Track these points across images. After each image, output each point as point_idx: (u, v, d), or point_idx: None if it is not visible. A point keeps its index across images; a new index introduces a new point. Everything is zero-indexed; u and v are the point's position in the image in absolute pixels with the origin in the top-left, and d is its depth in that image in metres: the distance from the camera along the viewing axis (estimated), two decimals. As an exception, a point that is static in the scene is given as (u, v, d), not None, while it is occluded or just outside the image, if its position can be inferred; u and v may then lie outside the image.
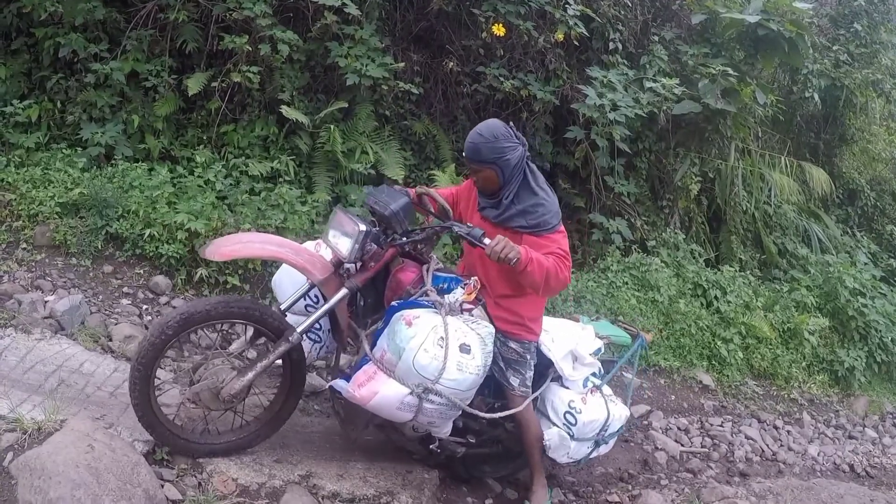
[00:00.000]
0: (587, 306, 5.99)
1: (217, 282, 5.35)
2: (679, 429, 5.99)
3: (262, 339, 3.54)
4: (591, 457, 4.22)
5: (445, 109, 6.93)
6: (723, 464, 5.75)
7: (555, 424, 3.96)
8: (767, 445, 6.26)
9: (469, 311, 3.47)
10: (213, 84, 6.02)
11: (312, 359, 4.03)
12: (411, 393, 3.15)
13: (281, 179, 5.93)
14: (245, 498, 3.37)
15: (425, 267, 3.57)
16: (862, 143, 11.26)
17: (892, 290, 9.10)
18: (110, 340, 4.59)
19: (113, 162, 5.78)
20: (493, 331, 3.43)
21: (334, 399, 3.82)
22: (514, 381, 3.68)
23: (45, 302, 4.77)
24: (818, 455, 6.42)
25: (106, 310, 4.97)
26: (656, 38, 7.37)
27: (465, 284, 3.42)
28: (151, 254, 5.30)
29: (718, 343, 6.90)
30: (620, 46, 7.06)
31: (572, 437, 3.97)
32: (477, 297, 3.50)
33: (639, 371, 5.82)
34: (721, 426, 6.24)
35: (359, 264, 3.54)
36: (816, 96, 9.08)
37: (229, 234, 5.09)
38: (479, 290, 3.51)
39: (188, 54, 6.26)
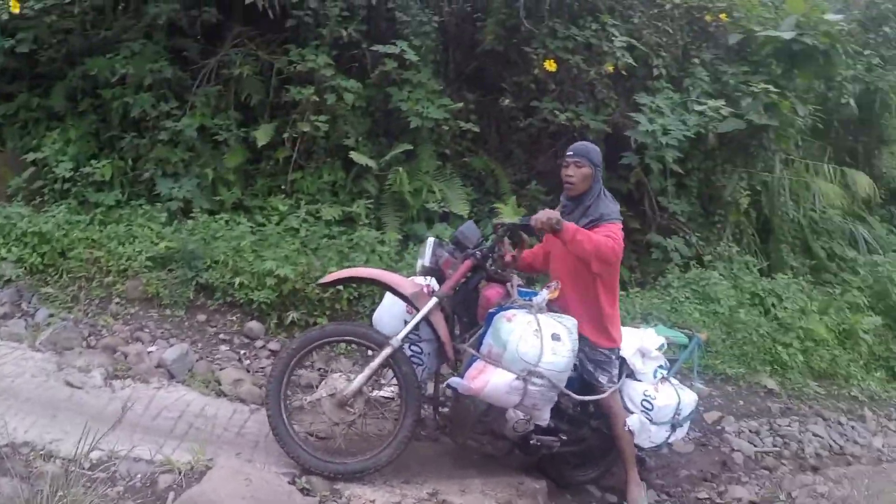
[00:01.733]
0: (654, 322, 6.23)
1: (307, 323, 5.60)
2: (750, 431, 6.20)
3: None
4: (670, 441, 4.63)
5: (500, 144, 7.24)
6: (795, 460, 5.95)
7: (634, 412, 4.40)
8: (834, 441, 6.44)
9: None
10: (284, 134, 6.33)
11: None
12: (517, 378, 3.64)
13: (360, 223, 6.18)
14: None
15: (509, 284, 4.08)
16: (900, 142, 11.39)
17: (942, 286, 9.20)
18: (220, 385, 4.87)
19: (192, 215, 6.05)
20: (576, 322, 3.90)
21: (438, 414, 4.29)
22: (603, 379, 4.18)
23: (149, 352, 5.05)
24: (883, 447, 6.58)
25: (208, 357, 5.24)
26: (697, 61, 7.61)
27: (548, 287, 3.90)
28: (242, 300, 5.56)
29: (779, 348, 7.07)
30: (664, 72, 7.34)
31: (651, 421, 4.39)
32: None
33: (707, 379, 6.14)
34: (789, 426, 6.43)
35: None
36: (852, 101, 9.22)
37: (317, 276, 5.47)
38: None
39: (252, 107, 6.57)
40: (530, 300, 3.88)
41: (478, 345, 3.89)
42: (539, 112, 6.89)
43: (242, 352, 5.43)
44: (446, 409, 4.26)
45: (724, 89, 7.66)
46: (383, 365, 3.89)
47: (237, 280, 5.52)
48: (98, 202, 6.03)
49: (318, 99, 6.29)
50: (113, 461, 3.28)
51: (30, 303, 5.34)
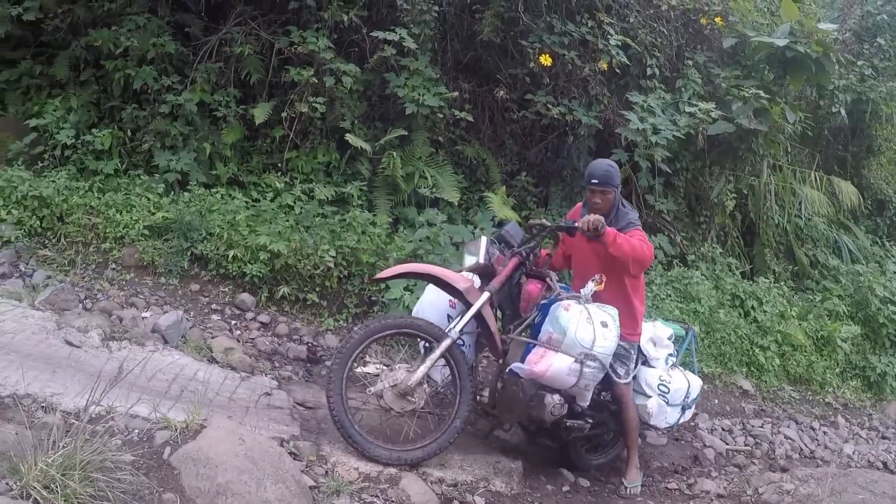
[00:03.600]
0: (652, 317, 6.34)
1: (297, 298, 5.79)
2: (723, 429, 6.39)
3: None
4: (681, 421, 5.09)
5: (494, 134, 7.33)
6: (765, 460, 6.13)
7: (653, 395, 4.85)
8: (805, 444, 6.62)
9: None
10: (282, 114, 6.41)
11: None
12: (575, 360, 4.05)
13: (353, 203, 6.31)
14: (369, 483, 3.87)
15: (548, 278, 4.51)
16: (889, 153, 11.40)
17: (922, 299, 9.33)
18: (212, 352, 5.01)
19: (188, 187, 6.16)
20: (618, 312, 4.31)
21: (478, 404, 4.60)
22: (621, 371, 4.59)
23: (143, 318, 5.17)
24: (853, 453, 6.75)
25: (200, 325, 5.38)
26: (690, 62, 7.73)
27: (594, 280, 4.25)
28: (235, 273, 5.70)
29: (756, 350, 7.23)
30: (657, 72, 7.45)
31: (668, 403, 4.88)
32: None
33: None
34: (762, 427, 6.60)
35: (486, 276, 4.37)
36: (843, 111, 9.34)
37: (309, 253, 5.69)
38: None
39: (251, 85, 6.66)
40: (577, 293, 4.27)
41: (533, 334, 4.29)
42: (533, 105, 6.99)
43: (233, 322, 5.56)
44: (482, 397, 4.58)
45: (715, 92, 7.80)
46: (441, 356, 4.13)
47: (231, 253, 5.65)
48: (97, 170, 6.12)
49: (316, 81, 6.37)
50: (111, 417, 3.37)
51: (27, 264, 5.45)
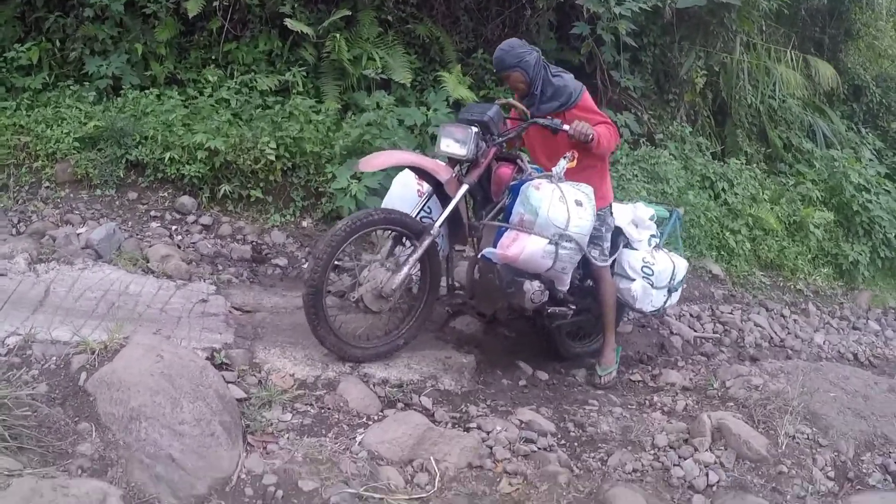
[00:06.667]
0: (634, 199, 6.09)
1: (241, 196, 5.61)
2: (692, 315, 6.21)
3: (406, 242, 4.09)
4: (668, 305, 4.94)
5: (447, 11, 6.90)
6: (734, 348, 5.96)
7: (637, 278, 4.69)
8: (775, 332, 6.48)
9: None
10: (215, 3, 6.02)
11: None
12: (549, 242, 3.88)
13: (297, 91, 6.01)
14: (304, 390, 3.64)
15: (518, 160, 4.31)
16: (868, 38, 11.22)
17: (896, 187, 9.17)
18: (148, 262, 4.79)
19: (122, 92, 5.86)
20: (592, 189, 4.14)
21: (454, 294, 4.51)
22: (595, 253, 4.41)
23: (78, 234, 4.95)
24: (824, 343, 6.64)
25: (138, 234, 5.18)
26: (659, -71, 7.25)
27: (565, 157, 4.07)
28: (174, 176, 5.48)
29: (727, 234, 7.05)
30: (622, -62, 6.97)
31: (653, 285, 4.73)
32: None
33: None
34: (731, 314, 6.44)
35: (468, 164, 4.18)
36: (822, -10, 9.00)
37: (249, 147, 5.47)
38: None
39: (183, -24, 6.22)
40: (551, 170, 4.08)
41: (505, 217, 4.15)
42: (486, -24, 6.56)
43: (174, 227, 5.38)
44: (459, 288, 4.51)
45: (686, -40, 7.35)
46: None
47: (167, 155, 5.41)
48: (25, 87, 5.83)
49: (249, -37, 5.96)
50: (29, 345, 3.20)
51: (-43, 194, 5.19)
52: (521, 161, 4.30)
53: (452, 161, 4.12)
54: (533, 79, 4.23)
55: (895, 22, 12.30)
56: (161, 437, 2.77)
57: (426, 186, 4.28)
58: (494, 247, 4.00)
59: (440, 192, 4.13)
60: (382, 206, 4.49)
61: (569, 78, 4.34)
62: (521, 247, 3.89)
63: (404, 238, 4.08)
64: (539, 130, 4.31)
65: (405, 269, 3.89)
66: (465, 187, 4.06)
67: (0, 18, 5.98)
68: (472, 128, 4.02)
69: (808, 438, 3.96)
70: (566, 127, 4.07)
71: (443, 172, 4.04)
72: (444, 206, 4.07)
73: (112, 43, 6.05)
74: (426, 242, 3.92)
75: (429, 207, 4.28)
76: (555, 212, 3.87)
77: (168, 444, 2.76)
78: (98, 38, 5.97)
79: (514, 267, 3.97)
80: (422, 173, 4.17)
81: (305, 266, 4.43)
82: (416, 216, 4.13)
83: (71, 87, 5.82)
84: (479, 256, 4.15)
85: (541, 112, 4.25)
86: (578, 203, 3.96)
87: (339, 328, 3.92)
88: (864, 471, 3.93)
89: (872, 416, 4.31)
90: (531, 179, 4.08)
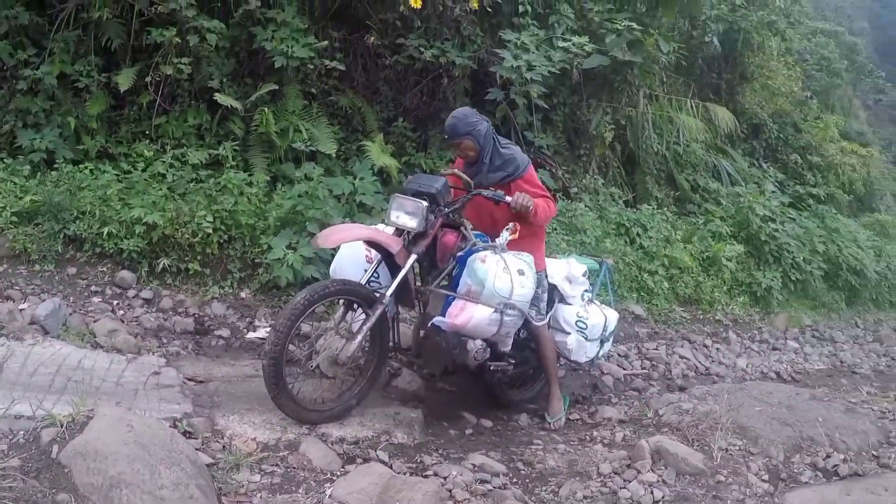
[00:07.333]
0: (567, 252, 6.37)
1: (179, 269, 5.59)
2: (619, 355, 6.51)
3: (357, 310, 4.24)
4: (600, 355, 5.28)
5: (367, 82, 7.16)
6: (663, 381, 6.31)
7: (571, 332, 4.98)
8: (700, 362, 6.85)
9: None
10: (146, 78, 6.13)
11: None
12: (495, 311, 4.11)
13: (228, 165, 6.09)
14: (268, 452, 3.76)
15: (463, 227, 4.52)
16: (762, 79, 11.92)
17: (800, 215, 9.78)
18: (95, 337, 4.77)
19: (56, 166, 5.83)
20: (533, 258, 4.39)
21: (402, 354, 4.74)
22: (532, 312, 4.59)
23: (21, 310, 4.85)
24: (747, 366, 7.06)
25: (81, 309, 5.13)
26: (562, -2, 7.72)
27: (507, 229, 4.32)
28: (112, 250, 5.45)
29: (645, 276, 7.41)
30: (529, 9, 7.41)
31: (586, 338, 5.01)
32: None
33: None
34: (656, 349, 6.79)
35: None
36: (716, 40, 9.62)
37: (186, 221, 5.53)
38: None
39: (113, 51, 6.32)
40: (494, 241, 4.32)
41: (452, 285, 4.35)
42: (405, 49, 6.87)
43: (115, 302, 5.35)
44: (405, 350, 4.76)
45: (589, 26, 7.84)
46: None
47: (105, 230, 5.40)
48: None
49: (180, 41, 6.09)
50: None
51: None
52: (465, 229, 4.51)
53: (399, 230, 4.33)
54: (483, 147, 4.48)
55: (786, 61, 13.16)
56: (143, 503, 2.85)
57: (374, 253, 4.43)
58: (443, 315, 4.20)
59: (389, 260, 4.30)
60: (331, 269, 4.66)
61: (517, 150, 4.65)
62: (468, 316, 4.11)
63: (355, 304, 4.23)
64: (482, 200, 4.51)
65: (359, 338, 4.06)
66: (413, 257, 4.26)
67: (-71, 88, 5.92)
68: (423, 202, 4.22)
69: (739, 449, 4.36)
70: (508, 199, 4.34)
71: (394, 245, 4.24)
72: (393, 273, 4.27)
73: (44, 116, 6.04)
74: (378, 311, 4.09)
75: (377, 273, 4.45)
76: (500, 283, 4.10)
77: (151, 509, 2.84)
78: (31, 111, 5.96)
79: (460, 332, 4.22)
80: (373, 244, 4.33)
81: (265, 338, 4.53)
82: (365, 282, 4.29)
83: (4, 160, 5.74)
84: (428, 324, 4.31)
85: (488, 180, 4.51)
86: (521, 272, 4.20)
87: (298, 394, 4.06)
88: (796, 470, 4.34)
89: (797, 422, 4.74)
90: (476, 249, 4.31)
